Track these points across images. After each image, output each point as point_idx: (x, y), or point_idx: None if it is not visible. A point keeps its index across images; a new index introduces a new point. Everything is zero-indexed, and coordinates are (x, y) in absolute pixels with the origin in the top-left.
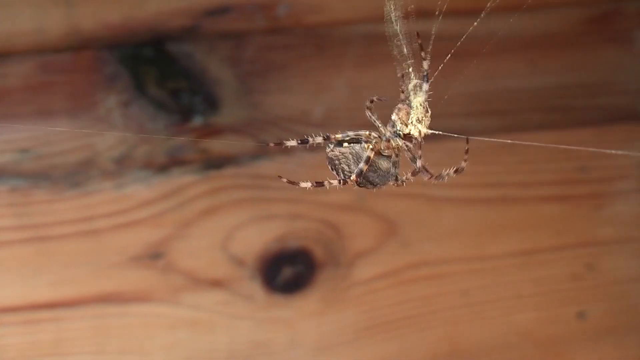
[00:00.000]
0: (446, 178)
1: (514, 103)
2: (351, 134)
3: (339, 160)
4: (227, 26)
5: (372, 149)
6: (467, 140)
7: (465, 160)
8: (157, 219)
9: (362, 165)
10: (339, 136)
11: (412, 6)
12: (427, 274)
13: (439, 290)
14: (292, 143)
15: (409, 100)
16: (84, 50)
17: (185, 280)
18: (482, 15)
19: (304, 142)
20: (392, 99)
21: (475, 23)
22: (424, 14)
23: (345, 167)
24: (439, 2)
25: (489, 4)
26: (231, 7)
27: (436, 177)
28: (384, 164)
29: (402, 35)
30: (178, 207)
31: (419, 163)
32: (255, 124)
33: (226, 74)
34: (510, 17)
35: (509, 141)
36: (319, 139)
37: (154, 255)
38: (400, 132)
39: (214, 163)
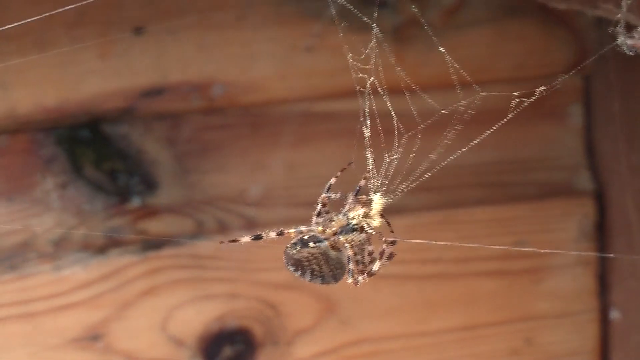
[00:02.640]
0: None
1: (451, 179)
2: (304, 229)
3: (308, 261)
4: (163, 107)
5: (350, 247)
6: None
7: (388, 258)
8: (96, 301)
9: (351, 265)
10: (292, 231)
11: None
12: (366, 351)
13: None
14: (246, 239)
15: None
16: (19, 132)
17: None
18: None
19: (257, 237)
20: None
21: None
22: (360, 91)
23: (316, 268)
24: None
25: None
26: (166, 88)
27: (369, 273)
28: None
29: None
30: (117, 288)
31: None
32: (192, 204)
33: (163, 154)
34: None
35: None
36: (273, 234)
37: (92, 337)
38: (357, 226)
39: (153, 244)
